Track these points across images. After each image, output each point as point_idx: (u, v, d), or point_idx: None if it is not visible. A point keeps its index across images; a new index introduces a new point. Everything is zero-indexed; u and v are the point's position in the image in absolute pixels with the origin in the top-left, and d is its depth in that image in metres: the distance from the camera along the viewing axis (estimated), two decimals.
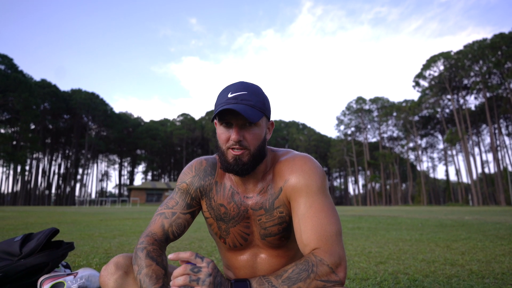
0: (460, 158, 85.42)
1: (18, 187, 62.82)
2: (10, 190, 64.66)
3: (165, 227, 0.98)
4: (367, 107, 75.82)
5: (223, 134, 0.91)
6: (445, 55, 57.64)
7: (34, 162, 66.97)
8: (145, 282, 0.82)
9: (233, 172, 0.93)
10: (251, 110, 0.87)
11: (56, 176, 73.72)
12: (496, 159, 53.00)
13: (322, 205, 0.90)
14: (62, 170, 74.31)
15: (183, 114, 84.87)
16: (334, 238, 0.85)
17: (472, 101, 70.27)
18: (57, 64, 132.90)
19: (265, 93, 0.97)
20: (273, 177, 0.99)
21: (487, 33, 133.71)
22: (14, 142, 57.42)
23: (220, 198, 1.02)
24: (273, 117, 1.00)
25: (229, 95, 0.90)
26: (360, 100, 75.83)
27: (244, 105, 0.87)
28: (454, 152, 63.46)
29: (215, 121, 0.94)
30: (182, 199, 1.03)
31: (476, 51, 52.43)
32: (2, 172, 62.71)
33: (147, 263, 0.86)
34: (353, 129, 77.63)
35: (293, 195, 0.93)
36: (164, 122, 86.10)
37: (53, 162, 73.28)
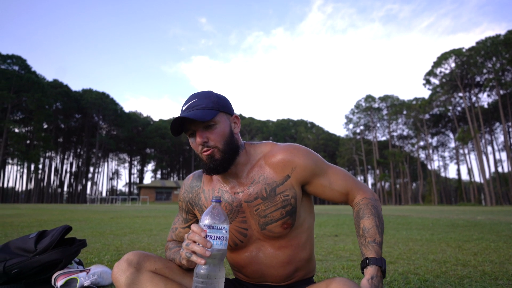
0: (472, 157, 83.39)
1: (31, 185, 64.37)
2: (24, 188, 66.34)
3: (173, 239, 1.21)
4: (376, 105, 74.91)
5: (193, 144, 0.98)
6: (457, 52, 56.45)
7: (47, 161, 68.46)
8: (173, 247, 1.10)
9: (212, 171, 0.97)
10: (201, 112, 0.93)
11: (68, 175, 75.23)
12: (510, 158, 51.76)
13: (334, 166, 1.06)
14: (73, 169, 75.73)
15: None
16: (358, 181, 1.06)
17: (485, 99, 68.62)
18: (69, 64, 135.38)
19: (219, 94, 1.03)
20: (263, 167, 1.02)
21: (502, 30, 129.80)
22: (28, 141, 58.74)
23: (210, 202, 1.05)
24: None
25: (183, 109, 0.98)
26: (369, 98, 74.96)
27: (195, 110, 0.94)
28: (466, 151, 62.28)
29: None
30: (180, 215, 1.19)
31: (489, 47, 51.14)
32: (17, 171, 64.31)
33: (175, 244, 1.14)
34: (362, 127, 76.83)
35: (308, 173, 1.01)
36: None
37: (65, 161, 74.76)
